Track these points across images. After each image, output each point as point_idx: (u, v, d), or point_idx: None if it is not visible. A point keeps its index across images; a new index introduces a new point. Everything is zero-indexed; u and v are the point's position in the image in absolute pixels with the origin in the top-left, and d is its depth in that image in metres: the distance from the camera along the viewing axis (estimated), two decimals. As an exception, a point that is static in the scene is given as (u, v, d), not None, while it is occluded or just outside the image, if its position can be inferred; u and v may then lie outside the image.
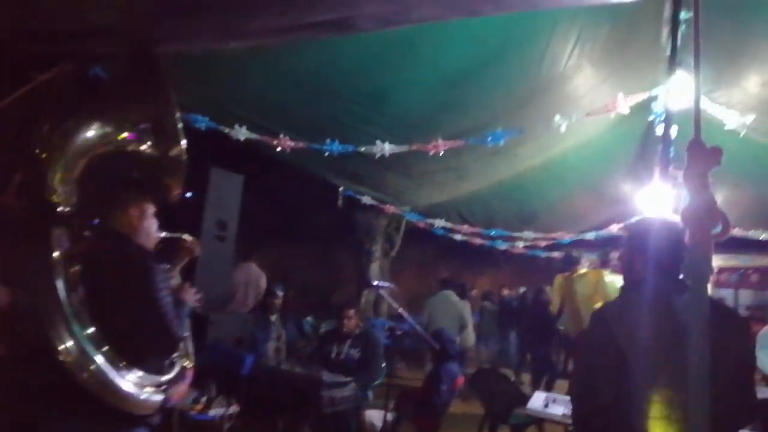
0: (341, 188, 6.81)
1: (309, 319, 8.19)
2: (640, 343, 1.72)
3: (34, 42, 2.52)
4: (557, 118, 4.07)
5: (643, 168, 8.07)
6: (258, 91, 4.44)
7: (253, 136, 4.51)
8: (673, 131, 3.72)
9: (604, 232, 8.34)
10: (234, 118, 4.63)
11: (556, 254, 10.00)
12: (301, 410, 3.76)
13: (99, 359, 2.05)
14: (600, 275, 8.34)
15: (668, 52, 3.43)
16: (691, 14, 3.07)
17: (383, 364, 4.67)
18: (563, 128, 4.07)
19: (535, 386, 7.06)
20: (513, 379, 4.83)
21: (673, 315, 1.73)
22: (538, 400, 3.37)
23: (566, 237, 8.80)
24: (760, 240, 6.61)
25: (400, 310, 3.97)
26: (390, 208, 7.44)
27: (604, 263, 8.96)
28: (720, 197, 6.85)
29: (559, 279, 7.93)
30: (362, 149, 4.52)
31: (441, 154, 4.62)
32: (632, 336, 1.74)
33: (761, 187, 6.19)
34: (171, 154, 2.33)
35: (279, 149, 4.57)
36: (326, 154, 4.58)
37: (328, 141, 4.60)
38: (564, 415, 3.18)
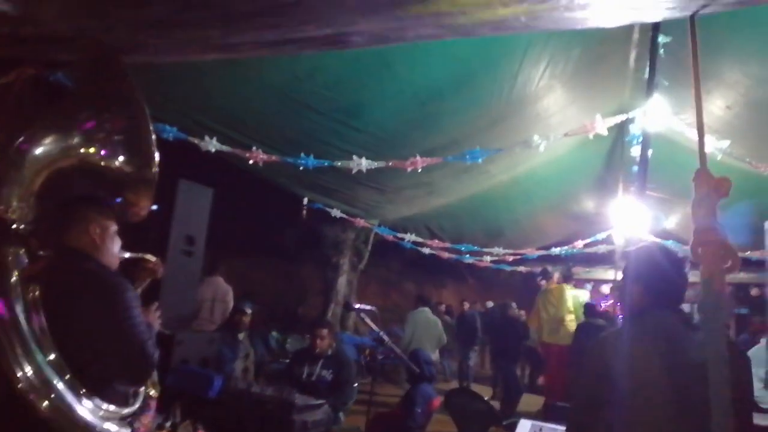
0: (305, 200, 6.70)
1: (274, 333, 8.03)
2: (640, 376, 1.69)
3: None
4: (536, 137, 4.10)
5: (607, 186, 8.27)
6: (230, 102, 4.35)
7: (225, 148, 4.39)
8: (637, 151, 3.80)
9: (569, 248, 8.47)
10: (204, 129, 4.51)
11: (521, 269, 10.12)
12: None
13: (61, 388, 1.89)
14: (563, 290, 8.52)
15: (646, 75, 3.50)
16: (669, 39, 3.14)
17: (355, 385, 4.58)
18: (542, 148, 4.11)
19: (505, 404, 7.08)
20: (486, 398, 4.80)
21: (677, 349, 1.70)
22: (525, 431, 3.32)
23: (534, 252, 8.90)
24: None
25: (381, 334, 3.90)
26: (360, 222, 7.38)
27: (566, 278, 9.13)
28: (681, 216, 7.08)
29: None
30: (338, 164, 4.44)
31: (415, 170, 4.59)
32: (629, 368, 1.71)
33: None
34: (141, 171, 2.19)
35: (251, 162, 4.44)
36: (300, 168, 4.48)
37: (302, 155, 4.51)
38: None
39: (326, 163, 4.44)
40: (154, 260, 2.52)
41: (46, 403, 1.86)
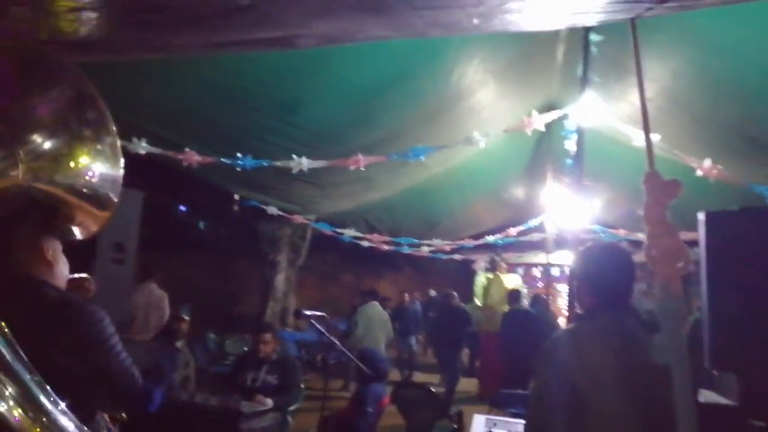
0: (236, 196, 6.51)
1: (212, 335, 7.80)
2: (596, 376, 1.73)
3: None
4: (476, 134, 4.16)
5: (536, 174, 8.56)
6: (161, 101, 4.13)
7: (156, 150, 4.16)
8: (572, 145, 3.94)
9: (502, 236, 8.71)
10: (133, 129, 4.25)
11: (457, 257, 10.33)
12: None
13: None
14: (497, 277, 8.81)
15: (576, 70, 3.61)
16: (601, 37, 3.25)
17: (302, 386, 4.50)
18: (483, 144, 4.17)
19: (449, 391, 7.18)
20: (434, 386, 4.85)
21: (632, 350, 1.75)
22: (479, 426, 3.36)
23: (471, 242, 9.09)
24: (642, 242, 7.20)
25: (333, 339, 3.85)
26: (297, 218, 7.26)
27: (495, 266, 9.43)
28: (607, 201, 7.43)
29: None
30: (278, 164, 4.32)
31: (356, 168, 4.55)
32: (585, 368, 1.75)
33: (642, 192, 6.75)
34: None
35: (185, 164, 4.24)
36: (238, 169, 4.32)
37: (239, 155, 4.35)
38: None
39: (265, 164, 4.30)
40: (87, 278, 2.32)
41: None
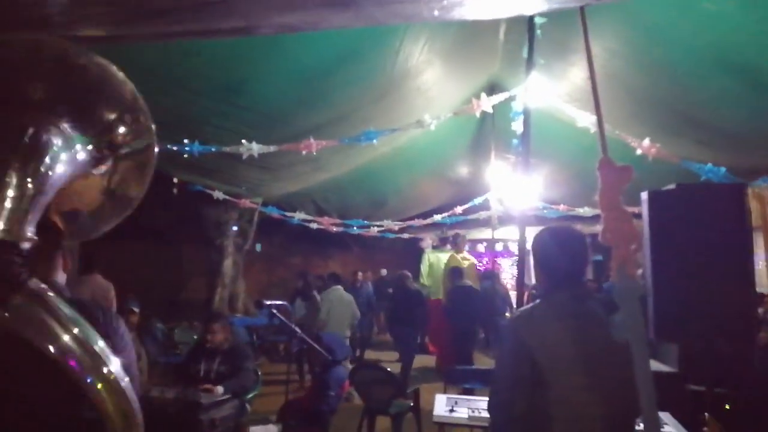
0: (175, 179, 6.29)
1: (160, 325, 7.59)
2: (554, 353, 1.84)
3: None
4: (427, 117, 4.19)
5: (480, 153, 8.73)
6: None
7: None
8: (518, 125, 4.04)
9: (448, 215, 8.86)
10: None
11: (405, 235, 10.44)
12: None
13: None
14: (437, 254, 9.05)
15: (517, 50, 3.70)
16: (545, 20, 3.33)
17: (259, 373, 4.47)
18: (433, 126, 4.21)
19: (405, 370, 7.26)
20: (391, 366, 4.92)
21: (587, 328, 1.86)
22: (441, 405, 3.44)
23: (420, 223, 9.19)
24: (587, 216, 7.49)
25: (294, 327, 3.83)
26: (245, 202, 7.13)
27: (442, 241, 9.61)
28: (548, 178, 7.67)
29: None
30: (227, 150, 4.20)
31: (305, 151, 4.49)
32: (544, 346, 1.85)
33: (583, 168, 7.01)
34: None
35: None
36: (185, 156, 4.18)
37: (186, 141, 4.21)
38: (470, 417, 3.27)
39: (213, 149, 4.18)
40: None
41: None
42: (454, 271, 7.72)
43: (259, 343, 8.11)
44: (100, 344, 1.60)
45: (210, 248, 8.36)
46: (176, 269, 11.37)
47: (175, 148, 4.14)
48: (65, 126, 1.64)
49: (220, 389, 3.93)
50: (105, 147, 1.77)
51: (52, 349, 1.51)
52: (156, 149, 2.04)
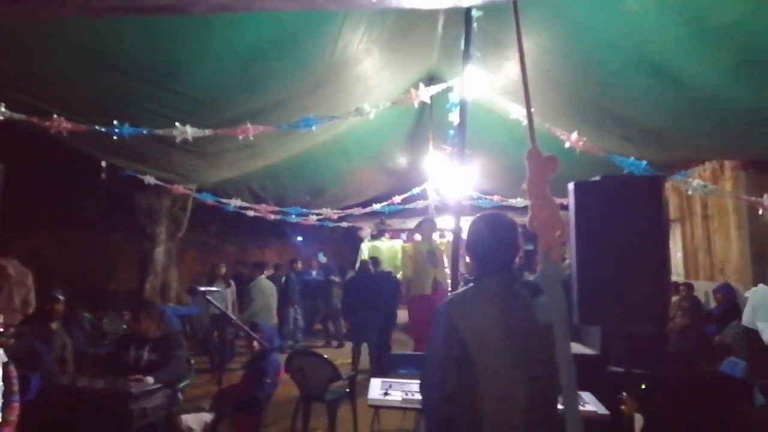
0: (103, 163, 6.02)
1: (87, 315, 7.28)
2: (483, 335, 1.92)
3: None
4: (366, 106, 4.20)
5: (418, 143, 8.84)
6: (21, 63, 3.69)
7: (18, 116, 3.74)
8: (455, 116, 4.13)
9: (387, 204, 8.92)
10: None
11: (344, 224, 10.44)
12: (108, 429, 3.33)
13: None
14: (375, 244, 9.11)
15: (456, 43, 3.77)
16: (481, 13, 3.40)
17: (191, 361, 4.37)
18: (372, 115, 4.23)
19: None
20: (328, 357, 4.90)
21: (514, 310, 1.95)
22: (376, 389, 3.49)
23: (359, 211, 9.21)
24: (519, 207, 7.74)
25: (229, 314, 3.76)
26: (177, 188, 6.91)
27: (381, 232, 9.70)
28: (483, 169, 7.87)
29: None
30: (160, 132, 4.06)
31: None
32: (473, 327, 1.93)
33: (515, 160, 7.24)
34: None
35: (53, 132, 3.85)
36: (114, 138, 4.00)
37: (116, 123, 4.03)
38: (404, 400, 3.34)
39: (145, 132, 4.03)
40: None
41: None
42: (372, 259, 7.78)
43: (192, 332, 7.93)
44: None
45: (141, 236, 8.07)
46: (105, 258, 10.92)
47: (103, 130, 3.96)
48: None
49: (150, 379, 3.82)
50: None
51: None
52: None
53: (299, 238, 14.14)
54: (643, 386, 3.53)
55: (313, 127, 4.11)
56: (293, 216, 8.38)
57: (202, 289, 4.42)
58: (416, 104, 4.18)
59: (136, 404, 3.46)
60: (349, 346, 9.93)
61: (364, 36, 5.14)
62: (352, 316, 7.70)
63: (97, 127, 3.92)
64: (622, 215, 2.48)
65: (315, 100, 5.46)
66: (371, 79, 6.13)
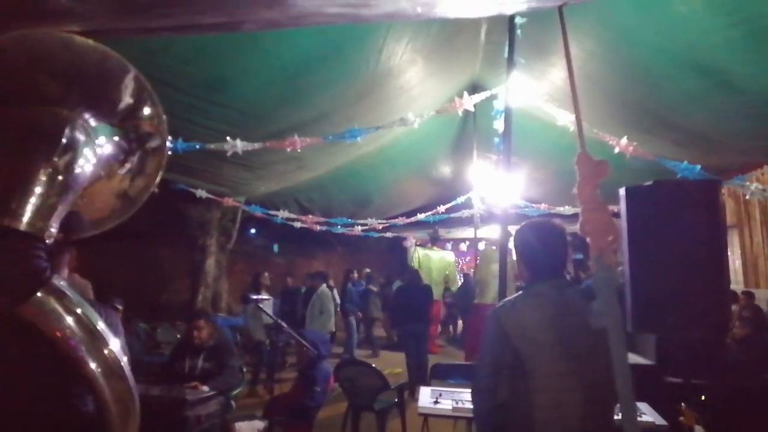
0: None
1: (142, 325, 7.54)
2: (535, 341, 1.89)
3: None
4: (411, 115, 4.23)
5: (462, 152, 8.81)
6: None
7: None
8: (500, 124, 4.10)
9: (432, 214, 8.91)
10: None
11: (388, 234, 10.47)
12: None
13: None
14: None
15: (498, 50, 3.76)
16: (524, 19, 3.39)
17: (244, 369, 4.47)
18: (416, 124, 4.25)
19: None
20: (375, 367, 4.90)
21: (566, 316, 1.92)
22: (426, 398, 3.48)
23: (403, 221, 9.23)
24: (567, 215, 7.58)
25: (280, 322, 3.84)
26: (228, 201, 7.10)
27: (434, 241, 9.65)
28: (529, 177, 7.77)
29: None
30: (212, 147, 4.20)
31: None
32: (526, 334, 1.91)
33: (562, 167, 7.12)
34: None
35: None
36: (168, 153, 4.15)
37: (169, 138, 4.18)
38: (454, 409, 3.32)
39: (197, 146, 4.17)
40: None
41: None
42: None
43: (243, 342, 8.08)
44: (101, 325, 1.63)
45: (193, 248, 8.31)
46: (158, 270, 11.27)
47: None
48: (87, 118, 1.66)
49: (205, 387, 3.93)
50: (129, 136, 1.80)
51: (58, 334, 1.53)
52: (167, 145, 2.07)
53: (342, 248, 14.26)
54: (703, 397, 3.40)
55: (359, 138, 4.16)
56: (339, 227, 8.46)
57: (255, 297, 4.50)
58: (460, 113, 4.18)
59: (191, 411, 3.55)
60: (385, 355, 9.96)
61: (407, 46, 5.18)
62: (402, 326, 7.66)
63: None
64: (676, 221, 2.40)
65: (359, 111, 5.53)
66: (415, 89, 6.17)
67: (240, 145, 4.11)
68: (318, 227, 8.29)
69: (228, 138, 4.15)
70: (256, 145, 4.17)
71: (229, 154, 4.15)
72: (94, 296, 5.61)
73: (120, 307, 4.82)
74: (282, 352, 7.18)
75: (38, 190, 1.53)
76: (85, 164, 1.66)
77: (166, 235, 10.33)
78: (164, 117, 1.90)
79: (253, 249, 12.62)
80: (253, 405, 5.48)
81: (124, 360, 1.67)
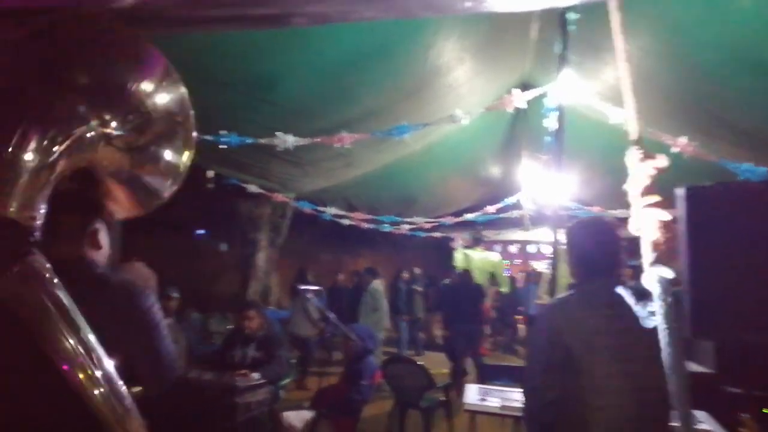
0: (209, 173, 6.39)
1: (196, 315, 7.77)
2: (587, 340, 1.85)
3: None
4: (459, 112, 4.20)
5: (511, 151, 8.67)
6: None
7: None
8: (551, 122, 4.02)
9: (480, 214, 8.81)
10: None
11: (436, 234, 10.42)
12: (215, 421, 3.55)
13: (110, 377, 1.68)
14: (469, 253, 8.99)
15: (550, 47, 3.69)
16: (577, 15, 3.31)
17: (293, 361, 4.57)
18: (465, 121, 4.22)
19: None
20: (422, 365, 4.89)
21: (619, 315, 1.86)
22: (473, 395, 3.47)
23: (452, 220, 9.17)
24: (621, 218, 7.31)
25: (329, 313, 3.89)
26: (278, 197, 7.23)
27: (476, 242, 9.55)
28: (580, 177, 7.57)
29: None
30: (263, 141, 4.28)
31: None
32: (578, 333, 1.87)
33: (615, 168, 6.92)
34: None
35: None
36: (221, 147, 4.26)
37: (223, 132, 4.29)
38: (502, 407, 3.28)
39: (249, 141, 4.26)
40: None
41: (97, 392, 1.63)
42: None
43: (290, 334, 8.21)
44: (90, 338, 1.65)
45: (244, 243, 8.49)
46: (209, 263, 11.58)
47: (211, 139, 4.23)
48: (97, 106, 1.72)
49: (255, 375, 4.05)
50: (135, 128, 1.85)
51: (41, 330, 1.59)
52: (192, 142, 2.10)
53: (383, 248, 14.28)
54: (765, 410, 3.24)
55: (407, 135, 4.16)
56: (387, 225, 8.47)
57: (303, 287, 4.59)
58: (511, 110, 4.12)
59: (241, 398, 3.65)
60: (429, 355, 9.92)
61: (456, 44, 5.14)
62: (453, 326, 7.60)
63: (205, 137, 4.19)
64: (739, 222, 2.29)
65: (407, 110, 5.52)
66: (463, 87, 6.11)
67: (291, 140, 4.18)
68: (365, 225, 8.33)
69: (278, 133, 4.22)
70: (306, 140, 4.23)
71: (280, 148, 4.22)
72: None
73: (176, 295, 5.00)
74: (329, 345, 7.26)
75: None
76: (81, 149, 1.71)
77: (218, 229, 10.61)
78: (191, 111, 1.94)
79: (301, 246, 12.79)
80: (300, 398, 5.56)
81: (113, 379, 1.70)
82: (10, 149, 1.57)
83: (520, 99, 3.97)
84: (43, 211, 1.65)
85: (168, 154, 1.97)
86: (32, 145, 1.60)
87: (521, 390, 2.07)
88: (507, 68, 6.46)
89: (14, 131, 1.59)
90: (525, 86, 6.14)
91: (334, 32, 4.30)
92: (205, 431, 3.58)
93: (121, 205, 2.01)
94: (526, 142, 7.36)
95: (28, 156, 1.59)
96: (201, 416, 3.52)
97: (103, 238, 2.00)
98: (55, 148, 1.64)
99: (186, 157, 2.04)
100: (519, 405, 2.11)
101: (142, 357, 1.88)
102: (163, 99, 1.92)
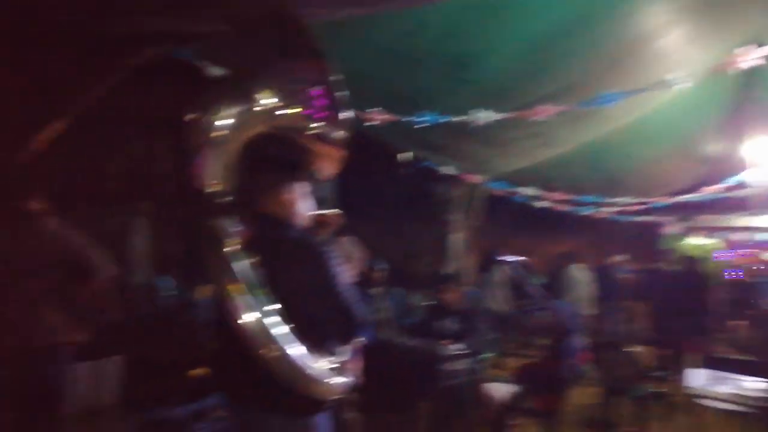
0: (407, 155, 6.67)
1: (398, 289, 8.26)
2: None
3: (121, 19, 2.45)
4: (673, 76, 3.80)
5: (737, 125, 7.61)
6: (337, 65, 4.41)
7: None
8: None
9: (696, 195, 7.87)
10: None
11: (641, 219, 9.61)
12: (420, 384, 3.78)
13: (283, 337, 1.90)
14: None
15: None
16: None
17: (493, 336, 4.69)
18: (684, 84, 3.79)
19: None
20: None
21: None
22: (699, 378, 3.16)
23: (661, 201, 8.36)
24: None
25: (532, 286, 3.92)
26: (473, 178, 7.35)
27: (688, 230, 8.56)
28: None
29: None
30: (459, 119, 4.39)
31: (526, 121, 4.46)
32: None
33: None
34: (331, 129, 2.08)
35: (369, 124, 4.42)
36: (416, 126, 4.47)
37: (420, 113, 4.51)
38: (734, 395, 2.89)
39: (446, 119, 4.42)
40: (334, 213, 2.55)
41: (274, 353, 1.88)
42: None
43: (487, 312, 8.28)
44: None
45: (438, 224, 8.80)
46: (407, 243, 12.16)
47: (408, 120, 4.46)
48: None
49: (458, 345, 4.26)
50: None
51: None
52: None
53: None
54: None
55: (613, 104, 3.88)
56: (588, 207, 8.02)
57: (500, 258, 4.68)
58: (744, 68, 3.50)
59: (444, 365, 3.84)
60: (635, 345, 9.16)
61: (664, 6, 4.70)
62: (670, 317, 7.01)
63: (404, 118, 4.43)
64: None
65: (607, 82, 5.19)
66: (673, 56, 5.54)
67: (485, 115, 4.21)
68: (565, 207, 8.01)
69: (473, 110, 4.30)
70: (503, 115, 4.23)
71: (478, 123, 4.26)
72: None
73: (381, 267, 5.44)
74: (525, 324, 7.20)
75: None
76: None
77: (415, 210, 11.10)
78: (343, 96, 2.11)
79: (495, 228, 12.76)
80: (499, 374, 5.61)
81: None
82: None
83: (756, 54, 3.35)
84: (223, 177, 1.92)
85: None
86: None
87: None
88: (730, 27, 5.69)
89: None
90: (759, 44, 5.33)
91: (530, 5, 4.23)
92: (409, 394, 3.82)
93: (323, 159, 2.17)
94: (756, 112, 6.42)
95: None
96: (406, 379, 3.75)
97: (297, 200, 2.21)
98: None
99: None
100: (755, 395, 1.81)
101: (323, 302, 2.08)
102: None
